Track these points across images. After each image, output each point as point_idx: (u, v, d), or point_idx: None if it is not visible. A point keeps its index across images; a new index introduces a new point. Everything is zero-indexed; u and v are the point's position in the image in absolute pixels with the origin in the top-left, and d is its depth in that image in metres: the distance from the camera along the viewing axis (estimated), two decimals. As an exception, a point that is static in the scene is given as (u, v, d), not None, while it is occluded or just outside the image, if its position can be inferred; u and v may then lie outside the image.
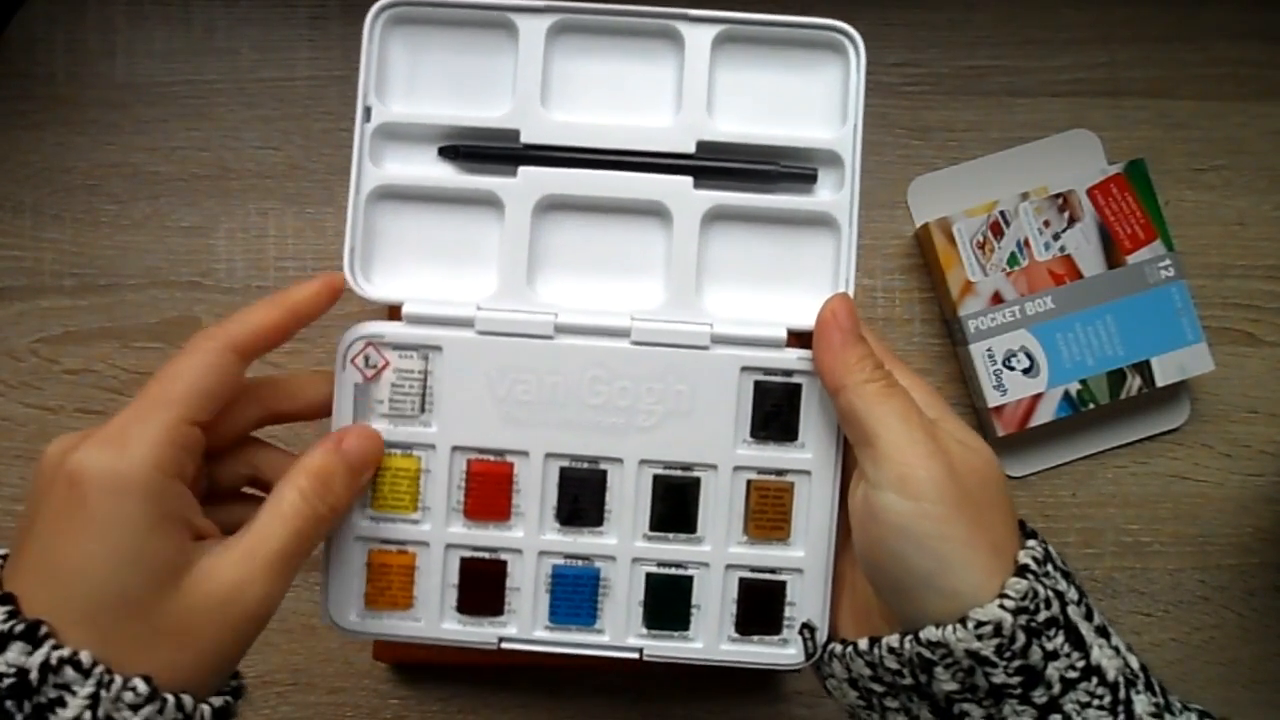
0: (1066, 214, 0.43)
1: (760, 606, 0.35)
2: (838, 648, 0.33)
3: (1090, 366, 0.43)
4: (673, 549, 0.35)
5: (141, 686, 0.26)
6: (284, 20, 0.46)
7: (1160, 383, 0.43)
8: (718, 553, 0.35)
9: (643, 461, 0.35)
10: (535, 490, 0.35)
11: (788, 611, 0.35)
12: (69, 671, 0.25)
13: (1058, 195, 0.43)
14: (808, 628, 0.35)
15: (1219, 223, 0.46)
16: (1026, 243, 0.43)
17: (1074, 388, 0.43)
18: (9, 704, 0.25)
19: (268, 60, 0.46)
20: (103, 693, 0.26)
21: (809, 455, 0.35)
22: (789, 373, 0.35)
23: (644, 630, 0.35)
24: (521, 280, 0.35)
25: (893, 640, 0.31)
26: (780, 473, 0.35)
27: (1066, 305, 0.43)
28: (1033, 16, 0.47)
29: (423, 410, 0.35)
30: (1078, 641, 0.29)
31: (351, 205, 0.35)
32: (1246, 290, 0.46)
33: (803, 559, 0.35)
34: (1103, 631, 0.30)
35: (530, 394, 0.35)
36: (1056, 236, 0.43)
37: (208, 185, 0.45)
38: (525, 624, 0.35)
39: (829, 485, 0.35)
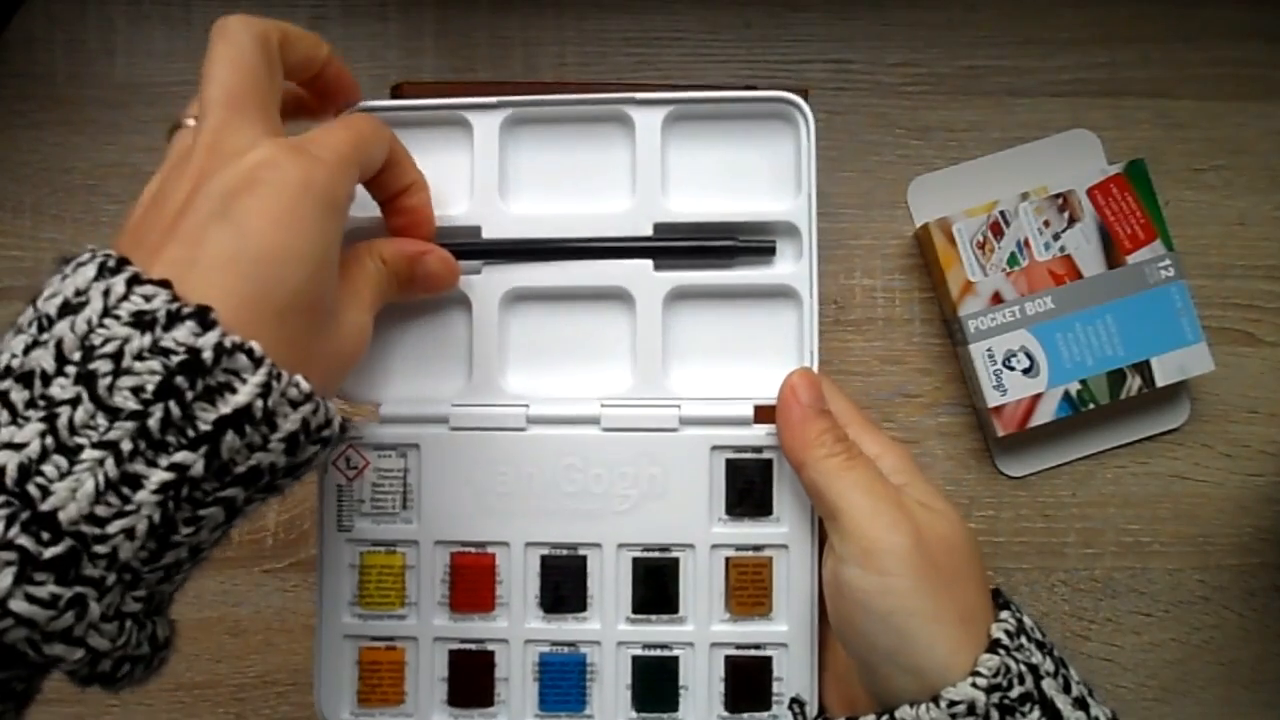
0: (1066, 214, 0.43)
1: (748, 683, 0.35)
2: None
3: (1090, 366, 0.43)
4: (656, 630, 0.35)
5: (304, 384, 0.26)
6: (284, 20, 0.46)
7: (1160, 383, 0.43)
8: (701, 632, 0.35)
9: (621, 545, 0.35)
10: (518, 580, 0.35)
11: (775, 687, 0.35)
12: (241, 358, 0.25)
13: (1058, 195, 0.43)
14: (797, 702, 0.35)
15: (1219, 223, 0.46)
16: (1026, 243, 0.43)
17: (1074, 388, 0.43)
18: (179, 380, 0.24)
19: (268, 60, 0.46)
20: (273, 384, 0.25)
21: (785, 529, 0.35)
22: (759, 449, 0.35)
23: (633, 714, 0.35)
24: (492, 374, 0.36)
25: (869, 719, 0.30)
26: (757, 548, 0.35)
27: (1066, 305, 0.43)
28: (1033, 16, 0.47)
29: (404, 507, 0.36)
30: (1054, 716, 0.29)
31: None
32: (1246, 290, 0.46)
33: (786, 633, 0.35)
34: (1081, 703, 0.30)
35: (507, 485, 0.35)
36: (1056, 236, 0.43)
37: (208, 185, 0.45)
38: (515, 713, 0.35)
39: (807, 557, 0.35)
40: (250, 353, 0.25)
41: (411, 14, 0.46)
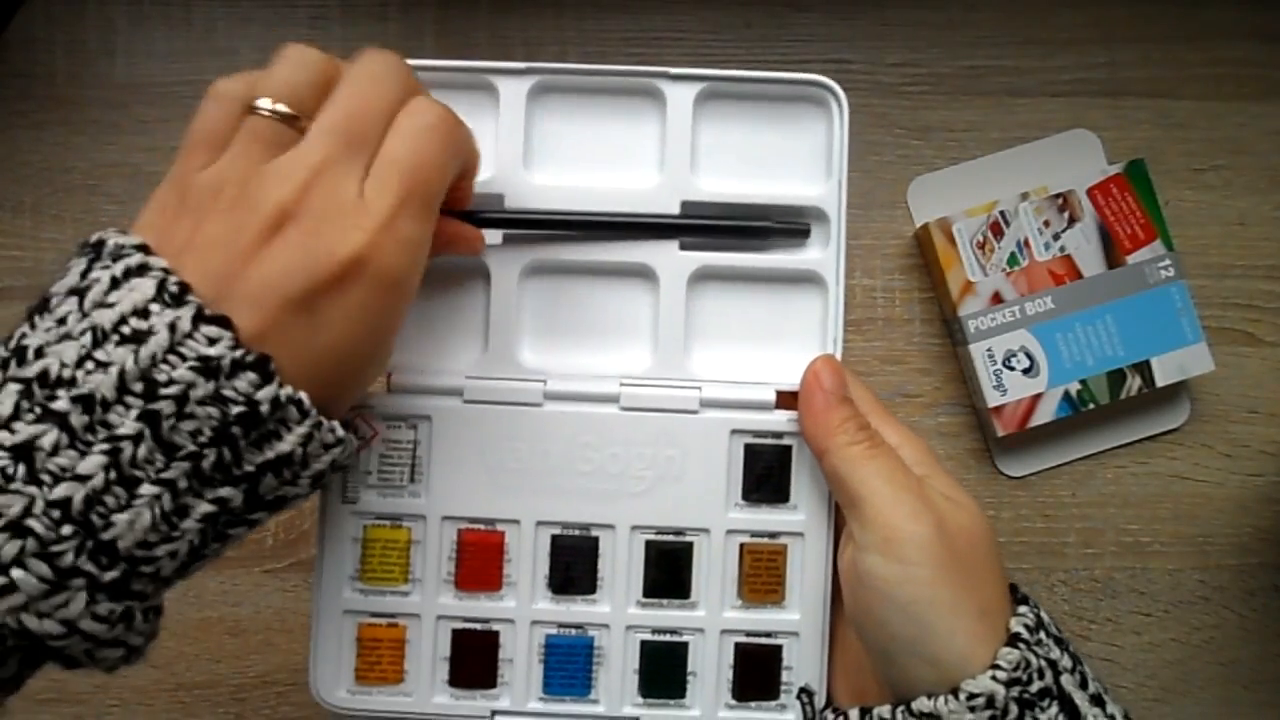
0: (1066, 214, 0.43)
1: (757, 671, 0.35)
2: (830, 716, 0.33)
3: (1090, 366, 0.43)
4: (667, 615, 0.35)
5: (339, 430, 0.28)
6: (284, 20, 0.46)
7: (1160, 383, 0.43)
8: (712, 618, 0.35)
9: (635, 527, 0.35)
10: (527, 559, 0.35)
11: (785, 676, 0.35)
12: (292, 410, 0.26)
13: (1058, 195, 0.43)
14: (805, 692, 0.34)
15: (1219, 223, 0.46)
16: (1026, 243, 0.43)
17: (1074, 388, 0.43)
18: (235, 429, 0.25)
19: (268, 60, 0.46)
20: (314, 433, 0.27)
21: (801, 517, 0.35)
22: (779, 435, 0.35)
23: (640, 699, 0.35)
24: (509, 346, 0.35)
25: (884, 711, 0.30)
26: (773, 535, 0.35)
27: (1066, 305, 0.43)
28: (1033, 16, 0.47)
29: (412, 480, 0.35)
30: (1072, 712, 0.29)
31: None
32: (1246, 290, 0.46)
33: (798, 622, 0.35)
34: (1098, 700, 0.30)
35: (520, 462, 0.35)
36: (1056, 236, 0.43)
37: (208, 185, 0.45)
38: (519, 696, 0.35)
39: (822, 546, 0.35)
40: (300, 404, 0.26)
41: (411, 14, 0.46)
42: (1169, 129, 0.46)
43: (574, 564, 0.35)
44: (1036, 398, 0.43)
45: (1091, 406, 0.43)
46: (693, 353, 0.36)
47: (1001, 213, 0.43)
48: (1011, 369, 0.43)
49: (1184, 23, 0.47)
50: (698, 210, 0.36)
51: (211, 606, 0.45)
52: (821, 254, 0.36)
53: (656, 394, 0.35)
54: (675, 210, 0.36)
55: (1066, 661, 0.30)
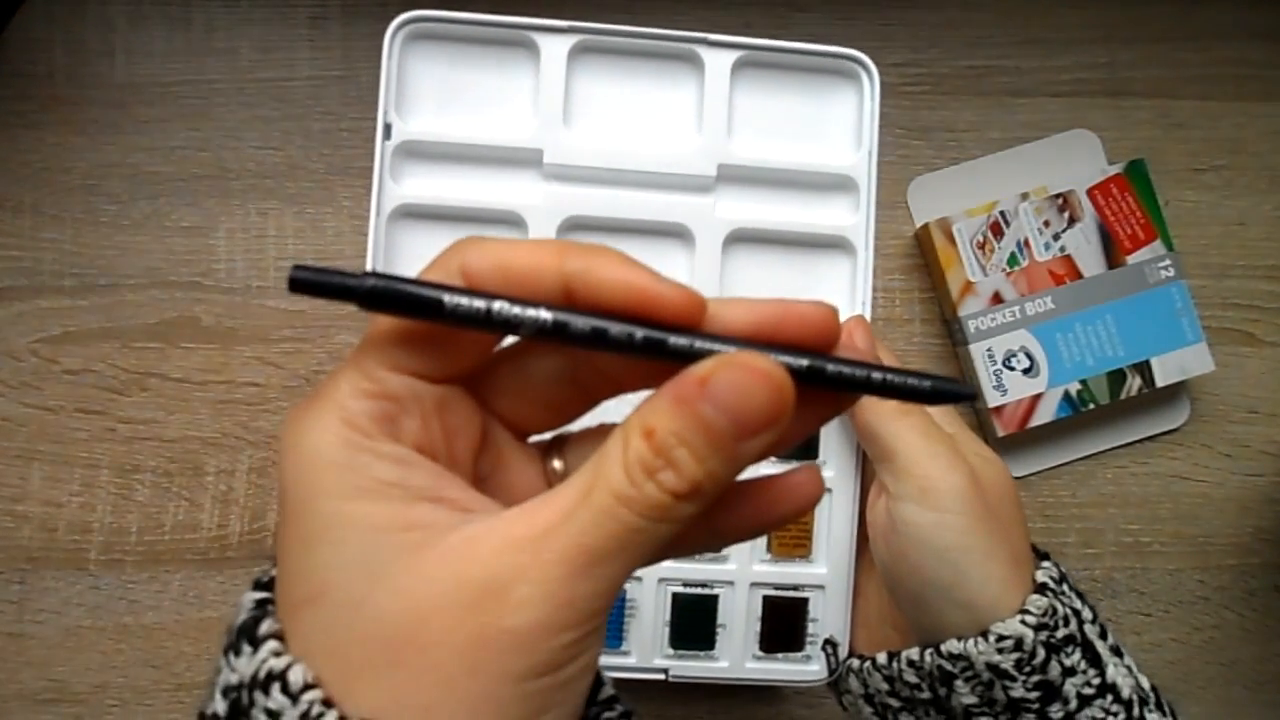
0: (1066, 214, 0.43)
1: (784, 624, 0.36)
2: (855, 662, 0.34)
3: (1090, 366, 0.43)
4: (698, 568, 0.36)
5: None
6: (284, 20, 0.46)
7: (1160, 383, 0.43)
8: (742, 571, 0.36)
9: None
10: None
11: (810, 628, 0.36)
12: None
13: (1058, 195, 0.43)
14: (830, 643, 0.35)
15: (1219, 223, 0.46)
16: (1026, 243, 0.43)
17: (1074, 388, 0.43)
18: None
19: (268, 60, 0.46)
20: None
21: (830, 473, 0.36)
22: None
23: (670, 650, 0.36)
24: None
25: (912, 653, 0.31)
26: None
27: (1066, 305, 0.43)
28: (1033, 16, 0.47)
29: None
30: (1094, 659, 0.30)
31: (372, 225, 0.35)
32: (1246, 290, 0.46)
33: (825, 575, 0.36)
34: (1116, 650, 0.31)
35: None
36: (1056, 236, 0.43)
37: (208, 185, 0.45)
38: None
39: (849, 502, 0.36)
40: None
41: (411, 14, 0.46)
42: (1169, 129, 0.46)
43: None
44: (1036, 398, 0.43)
45: (1091, 406, 0.43)
46: None
47: (1001, 213, 0.43)
48: (1011, 369, 0.43)
49: (1184, 23, 0.47)
50: (734, 173, 0.37)
51: (211, 606, 0.45)
52: (852, 220, 0.37)
53: None
54: (712, 173, 0.37)
55: (1088, 613, 0.31)
